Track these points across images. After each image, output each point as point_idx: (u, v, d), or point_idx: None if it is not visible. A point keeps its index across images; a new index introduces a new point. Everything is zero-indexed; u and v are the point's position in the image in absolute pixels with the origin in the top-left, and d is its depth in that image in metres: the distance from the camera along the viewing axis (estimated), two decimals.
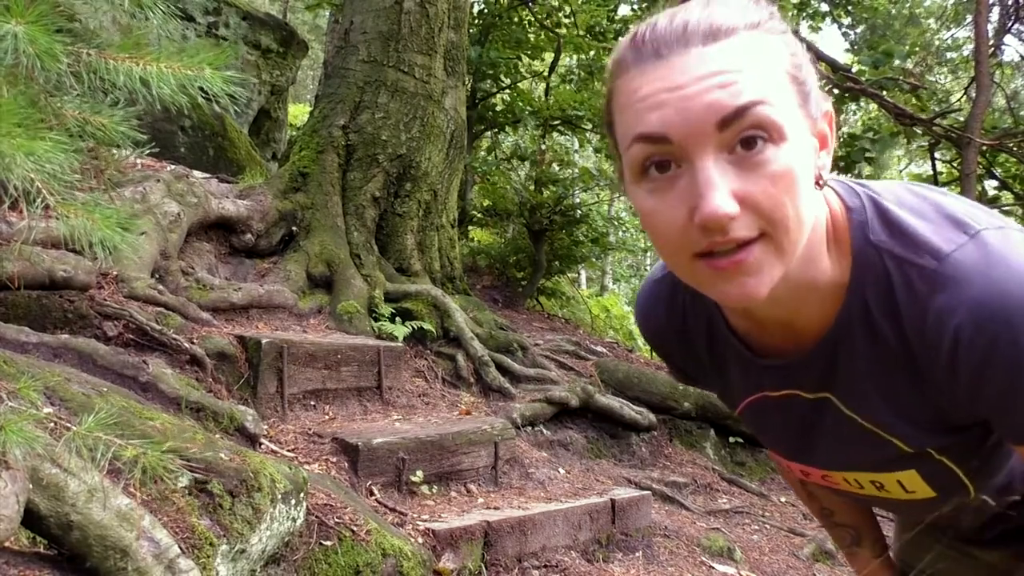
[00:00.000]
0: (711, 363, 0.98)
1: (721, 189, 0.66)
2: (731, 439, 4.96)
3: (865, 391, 0.82)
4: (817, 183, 0.75)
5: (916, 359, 0.77)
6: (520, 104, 8.49)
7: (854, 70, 6.10)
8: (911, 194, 0.82)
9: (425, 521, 2.54)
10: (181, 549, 1.50)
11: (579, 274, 13.31)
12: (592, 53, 9.23)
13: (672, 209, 0.69)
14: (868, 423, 0.85)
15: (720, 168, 0.67)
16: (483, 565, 2.53)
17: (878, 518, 1.22)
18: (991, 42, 6.86)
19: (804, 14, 9.44)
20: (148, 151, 1.18)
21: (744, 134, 0.67)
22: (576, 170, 8.82)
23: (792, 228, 0.69)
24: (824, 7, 9.34)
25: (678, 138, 0.67)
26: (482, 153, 9.24)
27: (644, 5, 9.46)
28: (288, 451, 2.73)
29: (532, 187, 8.32)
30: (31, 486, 1.30)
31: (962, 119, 6.39)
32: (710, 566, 3.16)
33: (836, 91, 5.68)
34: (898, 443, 0.85)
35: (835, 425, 0.88)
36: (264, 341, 3.06)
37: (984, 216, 0.78)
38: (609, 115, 0.76)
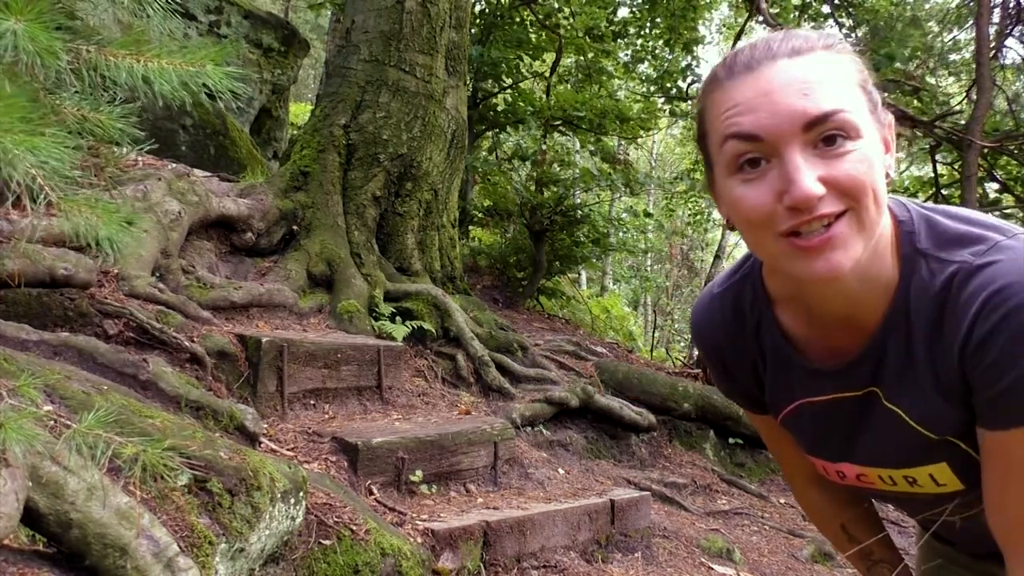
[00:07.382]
0: (764, 368, 1.06)
1: (808, 174, 0.77)
2: (731, 440, 4.96)
3: (904, 381, 0.91)
4: (887, 179, 0.85)
5: (943, 338, 0.85)
6: (521, 104, 8.49)
7: None
8: (955, 210, 0.92)
9: (424, 521, 2.54)
10: (180, 547, 1.49)
11: (579, 274, 13.30)
12: (591, 55, 9.23)
13: (761, 195, 0.80)
14: (904, 414, 0.93)
15: (806, 158, 0.78)
16: (482, 565, 2.53)
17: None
18: (992, 44, 6.86)
19: (806, 15, 9.43)
20: (149, 149, 1.19)
21: (826, 133, 0.78)
22: (577, 171, 8.82)
23: (871, 205, 0.79)
24: (826, 8, 9.34)
25: (768, 137, 0.79)
26: (483, 153, 9.24)
27: (645, 7, 9.45)
28: (288, 450, 2.73)
29: (533, 187, 8.32)
30: (30, 484, 1.30)
31: (963, 122, 6.38)
32: (709, 567, 3.16)
33: None
34: (926, 432, 0.92)
35: (877, 420, 0.96)
36: (264, 340, 3.06)
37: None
38: (702, 127, 0.88)
